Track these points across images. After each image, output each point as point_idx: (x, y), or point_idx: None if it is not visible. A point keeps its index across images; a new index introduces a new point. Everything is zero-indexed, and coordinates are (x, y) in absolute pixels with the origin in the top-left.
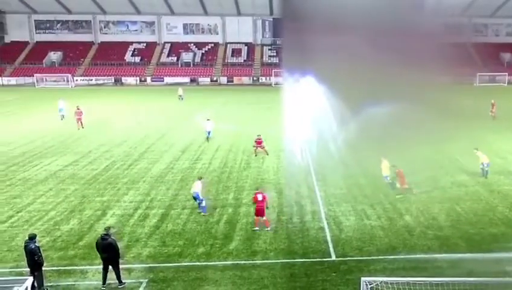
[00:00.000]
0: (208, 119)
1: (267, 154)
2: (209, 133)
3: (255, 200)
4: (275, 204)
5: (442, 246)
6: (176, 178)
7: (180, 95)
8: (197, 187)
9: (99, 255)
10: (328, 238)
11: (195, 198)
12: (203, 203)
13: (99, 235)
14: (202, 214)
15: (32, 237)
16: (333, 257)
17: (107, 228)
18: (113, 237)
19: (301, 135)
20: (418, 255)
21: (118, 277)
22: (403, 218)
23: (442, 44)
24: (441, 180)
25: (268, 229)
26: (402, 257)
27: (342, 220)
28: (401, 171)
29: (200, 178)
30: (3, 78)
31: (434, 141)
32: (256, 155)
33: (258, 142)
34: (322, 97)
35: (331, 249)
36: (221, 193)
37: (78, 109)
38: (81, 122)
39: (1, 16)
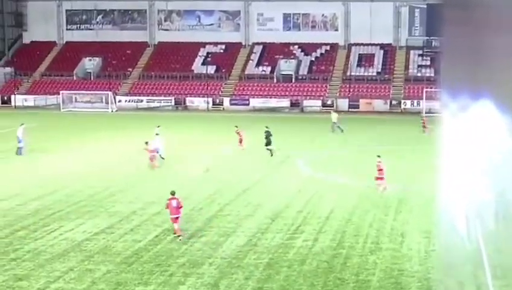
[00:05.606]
0: (156, 134)
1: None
2: (157, 151)
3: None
4: None
5: None
6: (261, 262)
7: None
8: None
9: None
10: None
11: None
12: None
13: None
14: None
15: None
16: None
17: None
18: None
19: (469, 198)
20: None
21: None
22: None
23: None
24: None
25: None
26: None
27: None
28: None
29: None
30: (16, 95)
31: None
32: None
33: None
34: (506, 135)
35: None
36: (332, 288)
37: None
38: None
39: (19, 4)
